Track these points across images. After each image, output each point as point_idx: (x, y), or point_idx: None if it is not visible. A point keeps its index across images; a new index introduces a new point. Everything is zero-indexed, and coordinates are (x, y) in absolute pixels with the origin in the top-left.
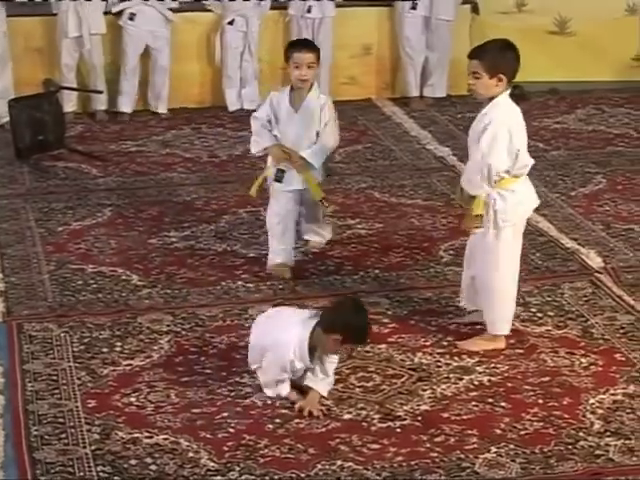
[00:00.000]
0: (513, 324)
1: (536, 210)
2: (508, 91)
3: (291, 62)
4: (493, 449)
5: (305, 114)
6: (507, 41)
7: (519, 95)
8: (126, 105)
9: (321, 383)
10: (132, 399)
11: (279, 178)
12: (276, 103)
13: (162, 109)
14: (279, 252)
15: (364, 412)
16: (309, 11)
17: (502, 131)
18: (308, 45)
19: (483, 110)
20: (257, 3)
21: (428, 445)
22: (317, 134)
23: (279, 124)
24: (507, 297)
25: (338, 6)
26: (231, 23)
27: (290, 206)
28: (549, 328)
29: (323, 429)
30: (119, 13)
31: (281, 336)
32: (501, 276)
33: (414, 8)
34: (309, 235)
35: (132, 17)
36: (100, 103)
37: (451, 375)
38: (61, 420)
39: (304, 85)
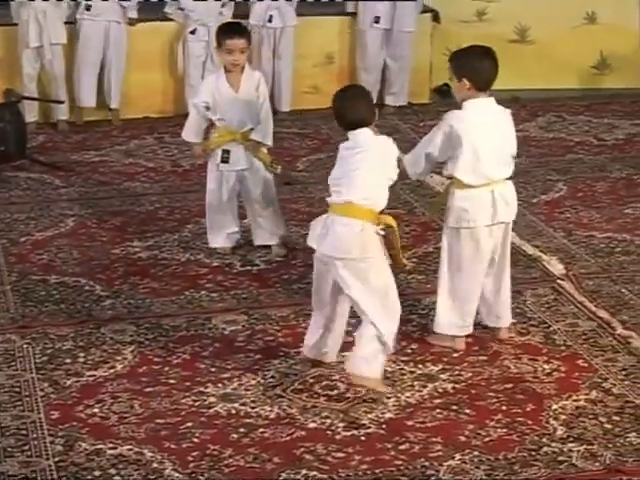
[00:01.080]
0: (472, 333)
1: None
2: (482, 98)
3: (223, 48)
4: (457, 456)
5: (245, 93)
6: (484, 49)
7: (443, 92)
8: (87, 100)
9: None
10: (96, 410)
11: (225, 159)
12: (214, 87)
13: (115, 104)
14: (221, 233)
15: (328, 420)
16: (270, 20)
17: (443, 129)
18: (239, 31)
19: None
20: (219, 13)
21: (393, 453)
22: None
23: (221, 106)
24: (451, 297)
25: (301, 15)
26: (193, 32)
27: (237, 186)
28: (512, 335)
29: (287, 438)
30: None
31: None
32: (444, 274)
33: (377, 22)
34: (263, 239)
35: (88, 8)
36: (62, 113)
37: (415, 383)
38: (24, 432)
39: (237, 69)
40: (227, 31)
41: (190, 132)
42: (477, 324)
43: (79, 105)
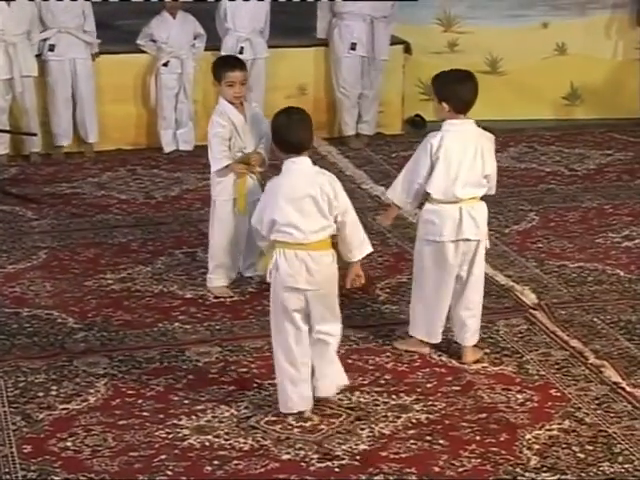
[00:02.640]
0: (445, 363)
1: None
2: (461, 119)
3: (224, 81)
4: None
5: (252, 120)
6: (464, 72)
7: (416, 123)
8: (63, 138)
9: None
10: (68, 443)
11: None
12: (227, 118)
13: (92, 139)
14: (227, 273)
15: (302, 452)
16: (241, 52)
17: (422, 151)
18: (238, 64)
19: None
20: (191, 45)
21: None
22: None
23: (236, 135)
24: (419, 303)
25: (273, 47)
26: (166, 65)
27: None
28: (485, 365)
29: (262, 469)
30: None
31: None
32: (415, 279)
33: (353, 49)
34: (250, 271)
35: (52, 48)
36: (34, 145)
37: (389, 413)
38: None
39: (238, 101)
40: (227, 64)
41: (221, 158)
42: (452, 354)
43: (56, 144)
